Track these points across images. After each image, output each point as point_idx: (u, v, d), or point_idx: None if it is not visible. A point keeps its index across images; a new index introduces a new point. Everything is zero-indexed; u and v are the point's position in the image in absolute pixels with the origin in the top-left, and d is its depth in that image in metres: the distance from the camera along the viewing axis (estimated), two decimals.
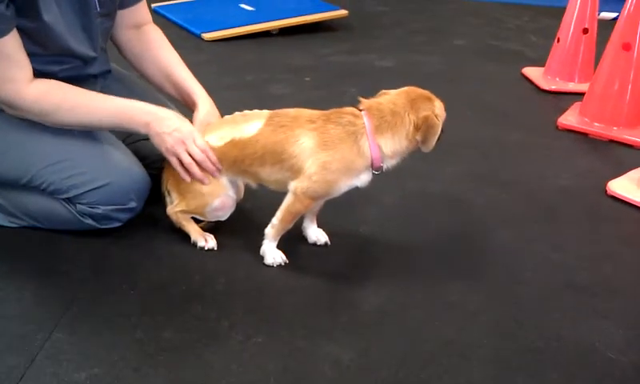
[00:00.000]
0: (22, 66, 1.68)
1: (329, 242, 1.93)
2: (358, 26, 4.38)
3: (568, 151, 2.77)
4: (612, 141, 2.82)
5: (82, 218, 1.82)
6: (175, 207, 1.88)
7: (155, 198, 1.94)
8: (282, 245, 1.86)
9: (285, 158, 1.74)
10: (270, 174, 1.78)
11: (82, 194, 1.79)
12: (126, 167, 1.84)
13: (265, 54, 3.73)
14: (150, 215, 1.97)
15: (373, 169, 1.75)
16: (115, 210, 1.83)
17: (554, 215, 2.24)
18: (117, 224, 1.86)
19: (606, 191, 2.37)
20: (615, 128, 2.85)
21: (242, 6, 4.33)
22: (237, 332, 1.58)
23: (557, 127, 2.95)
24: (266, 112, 1.82)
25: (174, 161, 1.79)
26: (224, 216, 1.90)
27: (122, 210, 1.84)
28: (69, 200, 1.81)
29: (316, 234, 1.93)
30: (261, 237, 1.84)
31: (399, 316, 1.68)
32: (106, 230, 1.86)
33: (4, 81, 1.68)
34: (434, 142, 1.74)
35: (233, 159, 1.79)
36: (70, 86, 1.76)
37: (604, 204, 2.32)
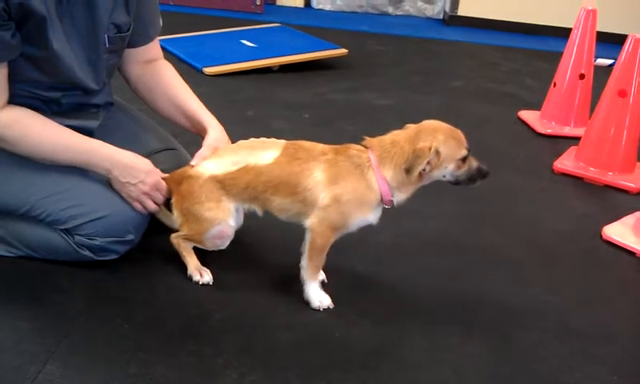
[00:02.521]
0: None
1: (325, 280, 1.92)
2: (358, 65, 4.42)
3: (564, 195, 2.79)
4: (607, 186, 2.85)
5: (79, 250, 1.82)
6: (178, 233, 1.88)
7: (152, 230, 1.95)
8: (279, 282, 1.85)
9: (299, 191, 1.75)
10: (281, 204, 1.79)
11: (80, 225, 1.79)
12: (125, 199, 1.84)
13: (265, 90, 3.77)
14: (147, 248, 1.97)
15: (383, 203, 1.76)
16: (113, 242, 1.82)
17: (550, 259, 2.24)
18: (114, 256, 1.85)
19: (602, 236, 2.38)
20: (610, 173, 2.88)
21: (244, 42, 4.38)
22: (231, 370, 1.57)
23: (553, 171, 2.98)
24: (282, 142, 1.83)
25: (135, 205, 1.83)
26: (222, 245, 1.89)
27: (120, 242, 1.84)
28: (67, 231, 1.81)
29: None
30: (258, 272, 1.84)
31: (395, 358, 1.67)
32: (102, 262, 1.85)
33: None
34: (415, 173, 1.71)
35: (245, 185, 1.79)
36: (41, 118, 1.76)
37: (599, 249, 2.33)
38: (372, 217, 1.78)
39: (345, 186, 1.72)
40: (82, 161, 1.80)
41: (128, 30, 1.89)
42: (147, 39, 2.01)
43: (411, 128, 1.79)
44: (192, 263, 1.90)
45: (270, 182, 1.77)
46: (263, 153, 1.80)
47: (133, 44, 1.97)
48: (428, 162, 1.71)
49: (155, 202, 1.85)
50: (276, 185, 1.77)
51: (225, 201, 1.81)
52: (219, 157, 1.85)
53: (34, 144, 1.76)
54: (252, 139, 1.88)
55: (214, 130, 1.94)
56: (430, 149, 1.70)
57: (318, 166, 1.75)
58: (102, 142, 1.82)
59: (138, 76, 2.04)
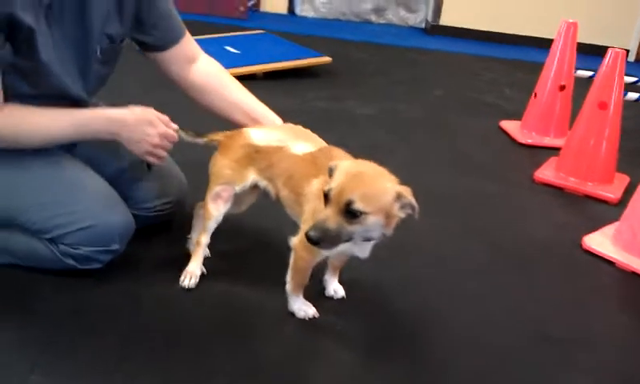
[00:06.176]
0: None
1: (345, 296, 1.91)
2: (342, 73, 4.45)
3: (544, 205, 2.83)
4: (587, 196, 2.90)
5: (63, 259, 1.80)
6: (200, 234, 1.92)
7: (137, 239, 1.94)
8: (266, 291, 1.85)
9: (300, 193, 1.72)
10: (287, 198, 1.78)
11: (65, 234, 1.77)
12: (111, 209, 1.83)
13: None
14: (132, 257, 1.95)
15: None
16: (97, 252, 1.81)
17: (530, 268, 2.27)
18: (98, 265, 1.84)
19: (582, 246, 2.42)
20: (590, 183, 2.93)
21: (227, 48, 4.38)
22: (219, 378, 1.57)
23: (533, 181, 3.02)
24: (322, 143, 1.82)
25: (149, 159, 1.84)
26: (217, 210, 1.86)
27: (104, 252, 1.82)
28: (51, 240, 1.79)
29: (334, 288, 1.93)
30: (243, 280, 1.84)
31: (380, 367, 1.68)
32: (86, 271, 1.84)
33: None
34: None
35: (271, 163, 1.79)
36: (28, 108, 1.73)
37: (579, 258, 2.37)
38: (356, 249, 1.64)
39: (320, 204, 1.60)
40: (88, 133, 1.79)
41: (121, 42, 1.88)
42: (174, 39, 1.98)
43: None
44: (192, 263, 1.91)
45: (286, 171, 1.76)
46: (301, 143, 1.78)
47: (165, 44, 1.96)
48: None
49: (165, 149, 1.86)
50: (289, 176, 1.75)
51: (249, 170, 1.83)
52: (272, 130, 1.87)
53: (32, 135, 1.74)
54: (305, 129, 1.87)
55: (278, 121, 1.99)
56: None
57: (320, 178, 1.67)
58: (99, 109, 1.83)
59: (183, 77, 2.03)
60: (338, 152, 1.75)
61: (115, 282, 1.88)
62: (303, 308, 1.82)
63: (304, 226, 1.69)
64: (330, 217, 1.48)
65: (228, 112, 2.04)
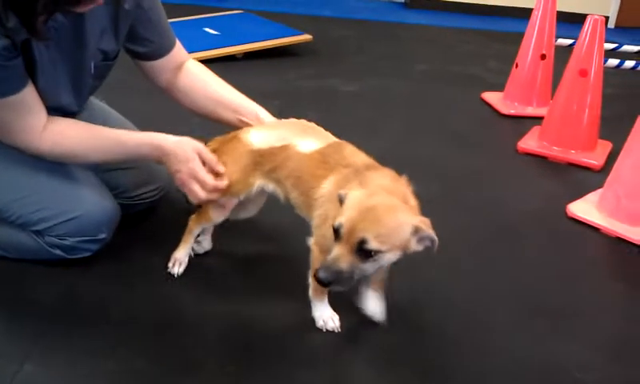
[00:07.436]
0: (37, 111, 1.68)
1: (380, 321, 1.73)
2: (323, 51, 4.43)
3: (528, 175, 2.85)
4: (570, 164, 2.92)
5: (50, 249, 1.80)
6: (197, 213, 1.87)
7: (124, 226, 1.93)
8: (255, 274, 1.85)
9: (310, 196, 1.62)
10: (296, 200, 1.69)
11: (51, 226, 1.76)
12: (96, 199, 1.82)
13: (230, 79, 3.67)
14: (120, 245, 1.95)
15: None
16: (84, 242, 1.80)
17: (517, 238, 2.29)
18: (86, 254, 1.83)
19: (567, 214, 2.45)
20: (573, 151, 2.95)
21: (207, 29, 4.34)
22: (210, 361, 1.58)
23: (517, 151, 3.03)
24: (330, 138, 1.72)
25: (186, 191, 1.79)
26: (219, 218, 1.84)
27: (92, 241, 1.82)
28: (37, 232, 1.78)
29: (372, 307, 1.73)
30: (234, 263, 1.83)
31: (370, 341, 1.70)
32: (76, 260, 1.83)
33: (18, 131, 1.68)
34: None
35: (276, 164, 1.70)
36: (83, 126, 1.76)
37: (565, 226, 2.39)
38: None
39: (334, 209, 1.50)
40: (134, 155, 1.81)
41: (114, 58, 1.86)
42: (167, 50, 1.94)
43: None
44: (181, 249, 1.89)
45: (294, 172, 1.66)
46: (307, 140, 1.68)
47: (159, 54, 1.93)
48: None
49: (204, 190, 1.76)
50: (298, 177, 1.66)
51: (254, 176, 1.74)
52: (272, 129, 1.80)
53: (87, 151, 1.77)
54: (311, 123, 1.79)
55: (267, 116, 1.93)
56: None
57: (330, 178, 1.57)
58: (147, 132, 1.81)
59: (171, 83, 1.98)
60: (348, 148, 1.66)
61: (105, 270, 1.87)
62: (324, 317, 1.69)
63: (316, 231, 1.63)
64: (341, 256, 1.36)
65: (213, 110, 1.98)
